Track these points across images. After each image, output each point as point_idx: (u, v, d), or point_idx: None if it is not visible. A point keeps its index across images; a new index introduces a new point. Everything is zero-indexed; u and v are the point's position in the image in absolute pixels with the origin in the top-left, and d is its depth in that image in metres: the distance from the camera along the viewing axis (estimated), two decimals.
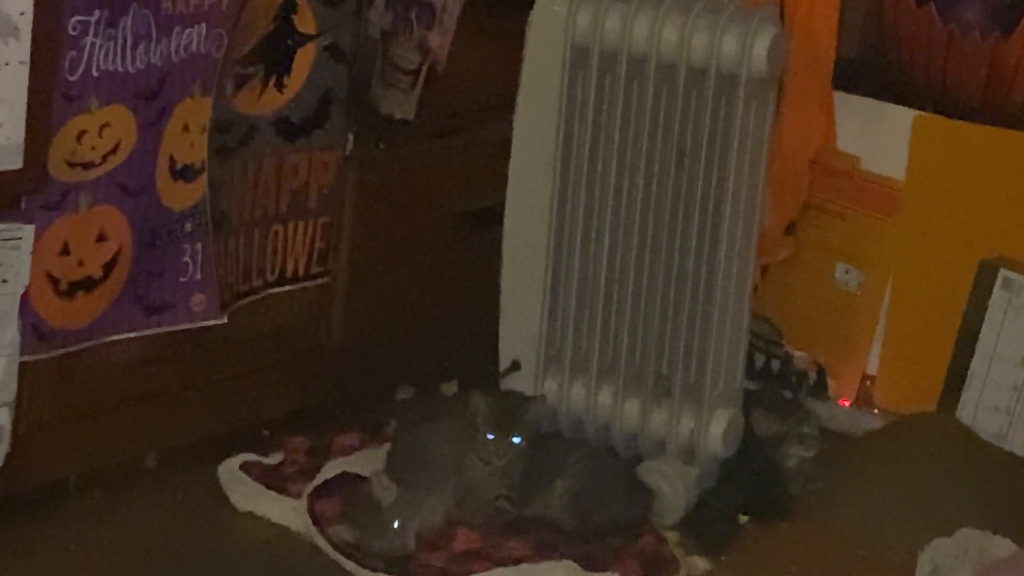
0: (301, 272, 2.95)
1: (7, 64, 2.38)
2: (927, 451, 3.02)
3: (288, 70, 2.81)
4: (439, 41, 2.96)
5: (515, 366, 2.98)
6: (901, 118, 3.19)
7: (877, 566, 2.80)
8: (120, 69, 2.52)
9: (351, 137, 2.95)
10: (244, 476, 2.81)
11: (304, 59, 2.83)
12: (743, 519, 2.88)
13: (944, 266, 3.16)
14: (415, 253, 3.11)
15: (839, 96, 3.20)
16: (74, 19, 2.45)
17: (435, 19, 2.95)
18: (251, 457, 2.84)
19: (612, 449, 2.93)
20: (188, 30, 2.60)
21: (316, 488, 2.76)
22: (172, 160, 2.66)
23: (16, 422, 2.56)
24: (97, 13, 2.47)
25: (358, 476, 2.75)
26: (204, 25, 2.61)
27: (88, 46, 2.48)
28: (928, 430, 3.07)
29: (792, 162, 3.17)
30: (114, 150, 2.57)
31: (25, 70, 2.39)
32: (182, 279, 2.73)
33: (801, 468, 2.95)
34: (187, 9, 2.59)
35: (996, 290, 3.09)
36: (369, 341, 3.09)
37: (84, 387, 2.69)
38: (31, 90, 2.41)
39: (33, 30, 2.38)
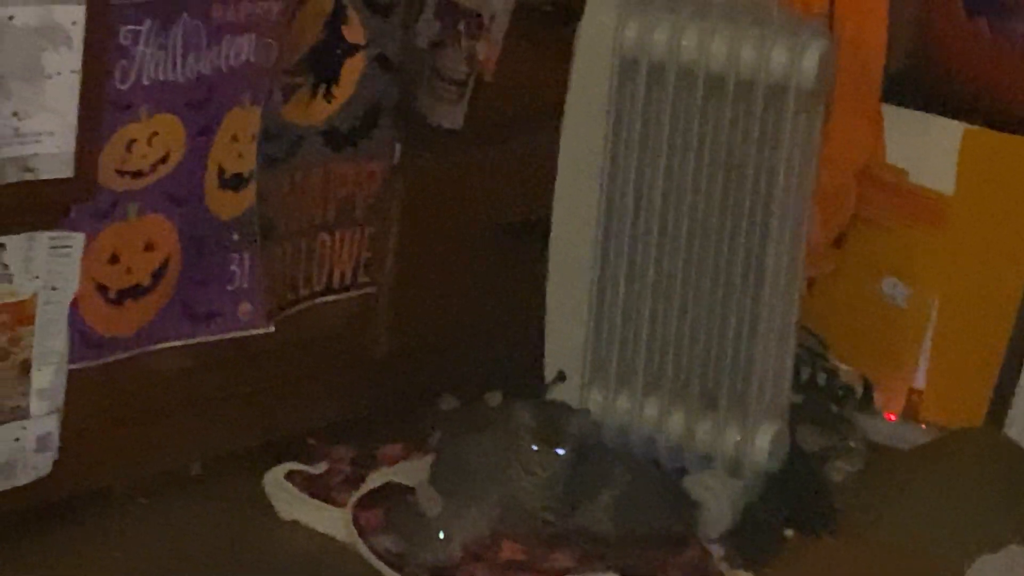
0: (347, 281, 2.95)
1: (59, 73, 2.39)
2: (974, 466, 3.00)
3: (337, 80, 2.82)
4: (487, 52, 2.96)
5: (560, 377, 2.97)
6: (950, 131, 3.17)
7: None
8: (170, 78, 2.53)
9: (398, 147, 2.95)
10: (289, 485, 2.81)
11: (353, 69, 2.83)
12: (788, 533, 2.87)
13: (992, 280, 3.15)
14: (461, 263, 3.11)
15: (888, 109, 3.19)
16: (125, 29, 2.46)
17: (483, 30, 2.95)
18: (296, 466, 2.84)
19: (657, 461, 2.92)
20: (238, 39, 2.60)
21: (361, 498, 2.76)
22: (221, 169, 2.67)
23: (63, 429, 2.57)
24: (148, 23, 2.48)
25: (403, 486, 2.75)
26: (254, 35, 2.62)
27: (139, 55, 2.48)
28: (975, 445, 3.06)
29: (840, 175, 3.16)
30: (163, 159, 2.58)
31: (76, 79, 2.40)
32: (229, 288, 2.74)
33: (847, 482, 2.94)
34: (237, 19, 2.59)
35: None
36: (414, 351, 3.09)
37: (131, 395, 2.69)
38: (82, 99, 2.42)
39: (85, 40, 2.39)
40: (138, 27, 2.47)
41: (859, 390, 3.24)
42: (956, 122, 3.17)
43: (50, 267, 2.48)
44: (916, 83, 3.27)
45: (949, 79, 3.26)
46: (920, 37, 3.29)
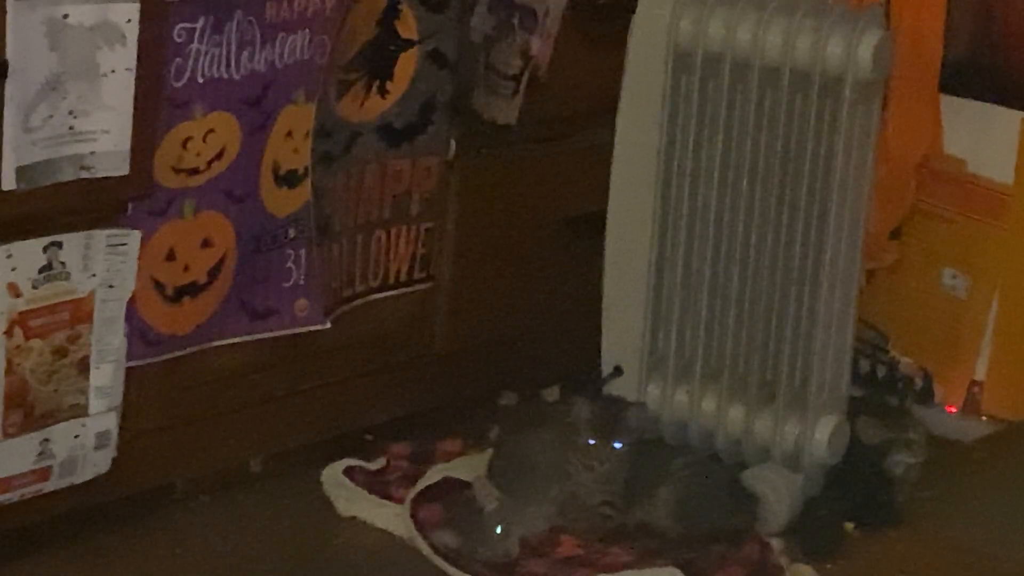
0: (404, 277, 2.95)
1: (113, 71, 2.40)
2: None
3: (391, 76, 2.82)
4: (541, 46, 2.96)
5: (618, 371, 2.97)
6: (1010, 121, 3.15)
7: (985, 575, 2.77)
8: (225, 76, 2.54)
9: (453, 143, 2.96)
10: (347, 481, 2.81)
11: (407, 65, 2.83)
12: (849, 527, 2.85)
13: None
14: (517, 258, 3.11)
15: (946, 99, 3.17)
16: (180, 26, 2.47)
17: (537, 24, 2.95)
18: (355, 462, 2.85)
19: (716, 455, 2.91)
20: (292, 36, 2.61)
21: (419, 493, 2.76)
22: (276, 166, 2.67)
23: (122, 427, 2.58)
24: (202, 20, 2.49)
25: (461, 482, 2.75)
26: (308, 31, 2.63)
27: (193, 53, 2.49)
28: None
29: (898, 166, 3.14)
30: (219, 156, 2.59)
31: (131, 77, 2.42)
32: (286, 285, 2.75)
33: (908, 475, 2.92)
34: (291, 16, 2.60)
35: None
36: (471, 347, 3.09)
37: (189, 392, 2.71)
38: (137, 97, 2.43)
39: (139, 37, 2.40)
40: (192, 24, 2.48)
41: (919, 382, 3.22)
42: (1016, 112, 3.15)
43: (107, 265, 2.49)
44: (975, 73, 3.24)
45: (1008, 69, 3.23)
46: (979, 27, 3.26)
